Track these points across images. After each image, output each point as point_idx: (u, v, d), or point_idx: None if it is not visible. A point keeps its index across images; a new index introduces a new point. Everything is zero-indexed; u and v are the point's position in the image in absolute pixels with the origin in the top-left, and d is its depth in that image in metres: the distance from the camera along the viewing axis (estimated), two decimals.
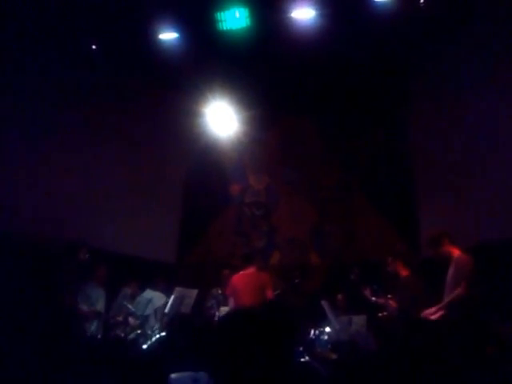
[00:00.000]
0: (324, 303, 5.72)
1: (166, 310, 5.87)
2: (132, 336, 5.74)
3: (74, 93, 6.93)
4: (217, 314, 6.27)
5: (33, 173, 6.44)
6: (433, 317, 4.51)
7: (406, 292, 5.21)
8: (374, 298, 5.61)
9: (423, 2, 6.09)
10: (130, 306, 5.86)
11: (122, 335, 5.79)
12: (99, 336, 5.47)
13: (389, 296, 5.49)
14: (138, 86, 7.84)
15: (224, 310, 6.12)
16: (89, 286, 5.85)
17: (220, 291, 6.73)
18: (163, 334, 5.61)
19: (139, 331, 5.75)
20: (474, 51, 6.50)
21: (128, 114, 7.85)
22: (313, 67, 7.39)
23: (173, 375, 3.64)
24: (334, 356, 5.12)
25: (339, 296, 6.75)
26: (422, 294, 5.10)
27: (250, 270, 5.79)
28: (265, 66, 7.53)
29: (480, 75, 6.36)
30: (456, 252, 4.62)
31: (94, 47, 6.71)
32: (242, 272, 5.81)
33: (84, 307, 5.56)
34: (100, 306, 5.83)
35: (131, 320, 5.97)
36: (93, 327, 5.67)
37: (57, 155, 6.82)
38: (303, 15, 6.37)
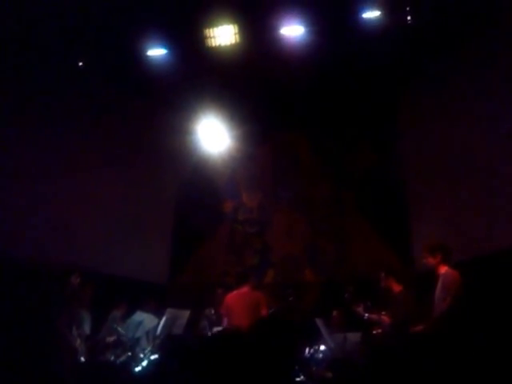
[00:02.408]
0: (318, 321, 5.63)
1: (158, 332, 5.74)
2: (122, 359, 5.58)
3: (62, 114, 6.82)
4: (209, 334, 6.15)
5: (22, 196, 6.30)
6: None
7: (398, 308, 5.23)
8: (366, 315, 5.56)
9: (411, 19, 6.16)
10: (119, 329, 5.72)
11: (112, 358, 5.64)
12: (83, 358, 5.31)
13: (383, 313, 5.44)
14: (126, 103, 7.79)
15: (217, 330, 6.00)
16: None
17: (213, 311, 6.60)
18: (155, 356, 5.46)
19: (129, 354, 5.60)
20: (462, 64, 6.56)
21: (117, 132, 7.76)
22: (302, 83, 7.42)
23: None
24: (329, 374, 5.02)
25: (334, 313, 6.67)
26: (414, 310, 5.09)
27: (244, 288, 5.71)
28: (255, 81, 7.55)
29: (469, 87, 6.40)
30: (443, 268, 4.67)
31: (80, 64, 6.68)
32: (235, 291, 5.74)
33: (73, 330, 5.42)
34: (85, 328, 5.68)
35: (121, 343, 5.82)
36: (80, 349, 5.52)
37: (46, 178, 6.69)
38: (292, 32, 6.41)
